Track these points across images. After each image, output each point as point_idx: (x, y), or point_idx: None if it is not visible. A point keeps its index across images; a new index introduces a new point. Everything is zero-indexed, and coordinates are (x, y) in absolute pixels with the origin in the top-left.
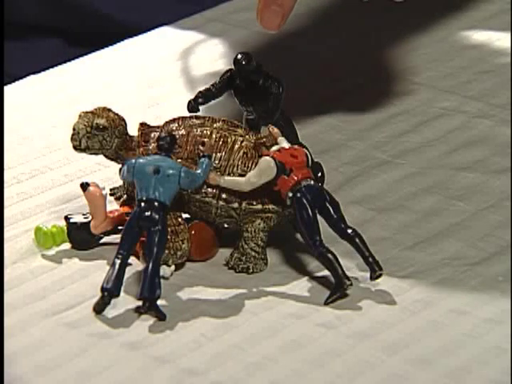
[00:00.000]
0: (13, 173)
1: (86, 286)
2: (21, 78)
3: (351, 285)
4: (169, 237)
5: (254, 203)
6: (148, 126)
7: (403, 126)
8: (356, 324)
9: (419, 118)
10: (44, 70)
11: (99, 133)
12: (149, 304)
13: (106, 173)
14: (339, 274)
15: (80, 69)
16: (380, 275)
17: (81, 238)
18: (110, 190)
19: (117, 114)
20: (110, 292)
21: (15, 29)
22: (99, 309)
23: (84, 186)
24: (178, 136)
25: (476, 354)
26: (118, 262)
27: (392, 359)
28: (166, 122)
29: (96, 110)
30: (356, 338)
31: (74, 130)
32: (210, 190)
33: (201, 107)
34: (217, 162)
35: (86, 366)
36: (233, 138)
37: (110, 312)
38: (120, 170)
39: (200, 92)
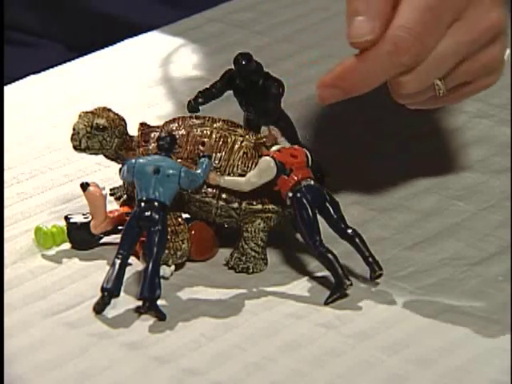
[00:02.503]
0: (13, 173)
1: (85, 286)
2: (21, 78)
3: (351, 285)
4: (169, 237)
5: (254, 203)
6: (148, 126)
7: (403, 125)
8: (356, 324)
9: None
10: (44, 69)
11: (99, 133)
12: (149, 304)
13: (106, 173)
14: (339, 273)
15: (80, 69)
16: (380, 275)
17: (81, 238)
18: (110, 190)
19: (117, 114)
20: (109, 292)
21: (15, 34)
22: (99, 309)
23: (84, 186)
24: (178, 136)
25: (476, 354)
26: (117, 262)
27: (392, 359)
28: (166, 122)
29: (96, 110)
30: (356, 338)
31: (73, 129)
32: (210, 190)
33: (201, 107)
34: (217, 161)
35: (86, 366)
36: (233, 138)
37: (110, 312)
38: (120, 169)
39: (200, 92)
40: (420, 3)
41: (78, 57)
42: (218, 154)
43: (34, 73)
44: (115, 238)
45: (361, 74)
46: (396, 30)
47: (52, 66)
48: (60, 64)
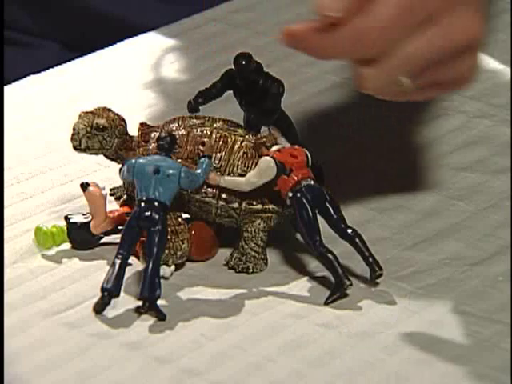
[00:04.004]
0: (13, 173)
1: (86, 286)
2: (20, 78)
3: (351, 285)
4: (169, 237)
5: (254, 203)
6: (148, 125)
7: (403, 126)
8: (356, 324)
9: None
10: (43, 70)
11: (99, 133)
12: (149, 304)
13: (106, 173)
14: (339, 273)
15: (80, 69)
16: (380, 275)
17: (81, 238)
18: (110, 190)
19: (117, 114)
20: (110, 292)
21: (13, 33)
22: (99, 309)
23: (84, 186)
24: (177, 136)
25: (475, 354)
26: (117, 262)
27: (392, 359)
28: (166, 122)
29: (96, 109)
30: (356, 338)
31: (74, 129)
32: (210, 190)
33: (201, 107)
34: (217, 161)
35: (86, 366)
36: (233, 138)
37: (110, 312)
38: (120, 169)
39: (200, 92)
40: (397, 1)
41: (77, 57)
42: (218, 154)
43: (33, 73)
44: (115, 237)
45: (322, 43)
46: (367, 21)
47: (51, 66)
48: (59, 64)
